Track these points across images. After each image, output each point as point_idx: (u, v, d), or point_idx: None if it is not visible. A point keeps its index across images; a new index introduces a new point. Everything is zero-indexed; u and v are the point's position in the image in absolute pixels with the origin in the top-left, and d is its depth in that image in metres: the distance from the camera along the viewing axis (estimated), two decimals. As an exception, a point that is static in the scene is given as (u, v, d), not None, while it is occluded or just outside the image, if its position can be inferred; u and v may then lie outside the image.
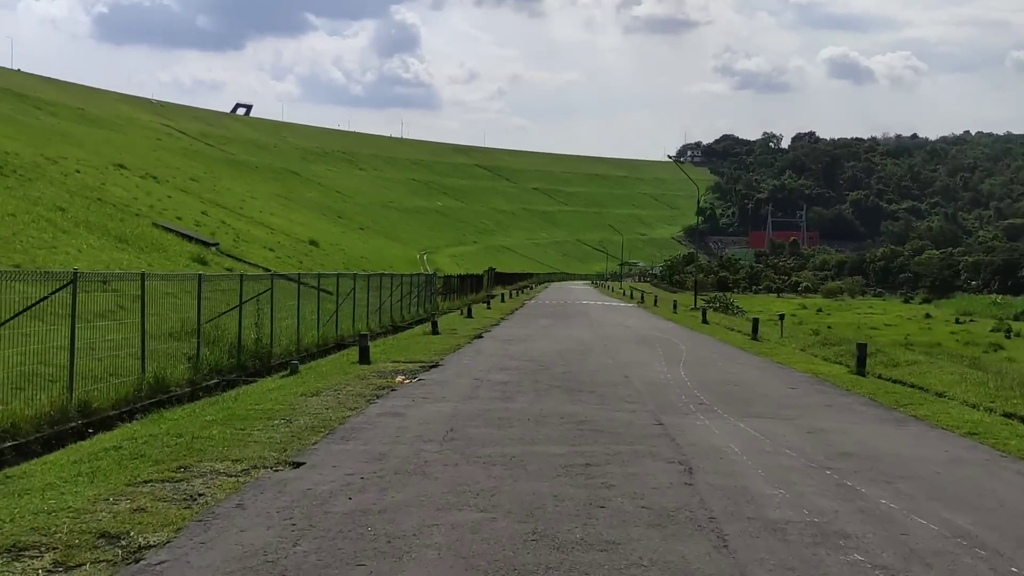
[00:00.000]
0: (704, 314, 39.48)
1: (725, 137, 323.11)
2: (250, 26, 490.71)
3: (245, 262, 46.95)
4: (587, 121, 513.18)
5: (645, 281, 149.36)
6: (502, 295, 62.41)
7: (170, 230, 45.96)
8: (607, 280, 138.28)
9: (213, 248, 46.26)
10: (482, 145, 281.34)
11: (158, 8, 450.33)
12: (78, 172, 57.86)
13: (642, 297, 67.55)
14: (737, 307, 60.17)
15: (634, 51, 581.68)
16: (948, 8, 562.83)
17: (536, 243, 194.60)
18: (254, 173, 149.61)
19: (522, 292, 75.59)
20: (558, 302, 56.23)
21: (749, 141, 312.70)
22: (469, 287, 68.31)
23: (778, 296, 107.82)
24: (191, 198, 74.57)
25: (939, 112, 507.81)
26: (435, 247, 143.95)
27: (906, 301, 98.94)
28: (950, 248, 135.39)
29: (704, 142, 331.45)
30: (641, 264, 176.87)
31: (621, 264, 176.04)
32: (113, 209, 46.37)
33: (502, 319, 37.68)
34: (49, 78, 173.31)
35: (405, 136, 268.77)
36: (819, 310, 72.65)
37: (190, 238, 45.26)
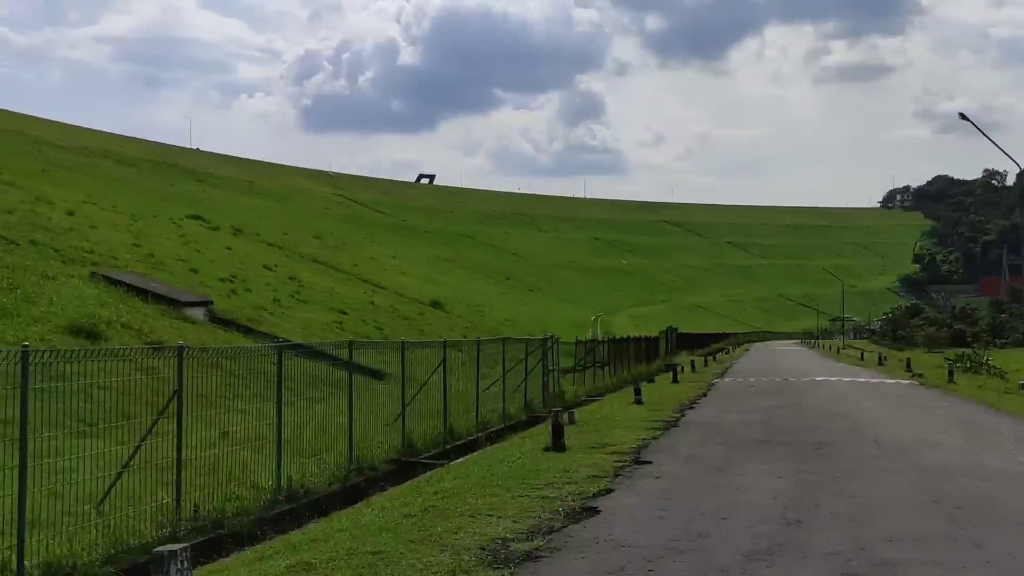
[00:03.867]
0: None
1: (938, 178, 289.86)
2: (443, 106, 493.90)
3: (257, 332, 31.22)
4: (779, 175, 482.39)
5: (862, 338, 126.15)
6: (682, 366, 44.05)
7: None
8: (817, 338, 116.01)
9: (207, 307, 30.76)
10: (670, 201, 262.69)
11: (357, 97, 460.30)
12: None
13: (879, 359, 47.32)
14: (994, 366, 41.14)
15: (825, 101, 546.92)
16: None
17: (732, 300, 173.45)
18: (422, 237, 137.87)
19: (715, 358, 56.59)
20: (771, 377, 37.43)
21: (967, 181, 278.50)
22: (639, 354, 50.25)
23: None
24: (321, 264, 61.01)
25: None
26: (616, 307, 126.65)
27: None
28: None
29: (913, 185, 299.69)
30: (855, 319, 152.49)
31: (832, 320, 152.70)
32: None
33: (667, 426, 19.68)
34: (228, 155, 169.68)
35: (589, 196, 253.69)
36: None
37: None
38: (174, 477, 11.97)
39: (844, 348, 74.22)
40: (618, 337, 53.01)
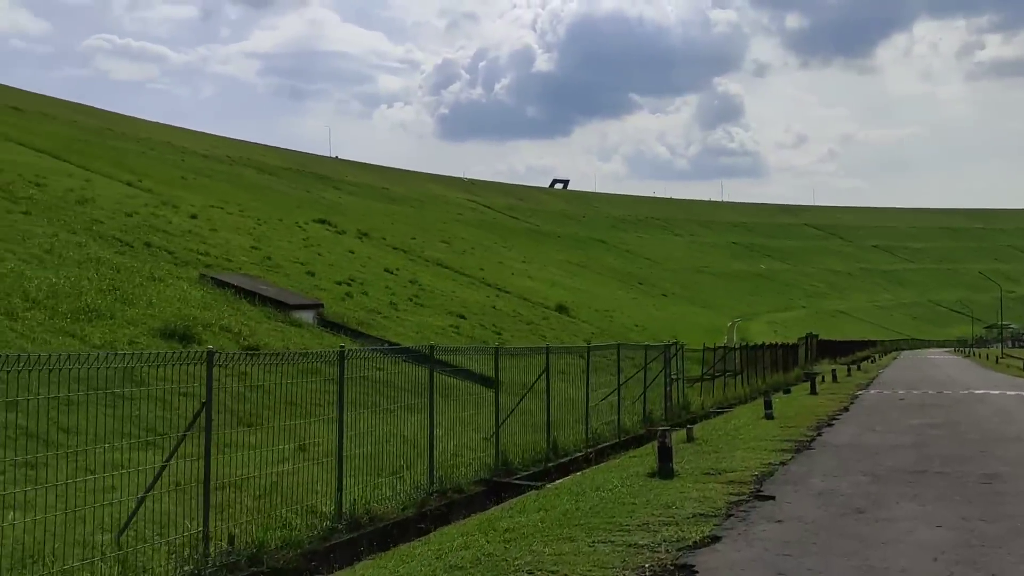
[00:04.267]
0: None
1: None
2: (578, 111, 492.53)
3: (367, 336, 29.85)
4: (930, 175, 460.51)
5: (1021, 346, 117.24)
6: (822, 375, 40.63)
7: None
8: (972, 347, 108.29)
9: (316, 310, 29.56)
10: (811, 204, 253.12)
11: (493, 104, 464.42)
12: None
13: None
14: None
15: (980, 98, 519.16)
16: None
17: (879, 306, 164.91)
18: (554, 242, 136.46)
19: (859, 367, 52.53)
20: (923, 389, 33.72)
21: None
22: (775, 362, 47.03)
23: None
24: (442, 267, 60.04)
25: None
26: (753, 313, 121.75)
27: None
28: None
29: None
30: (1013, 326, 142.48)
31: (988, 327, 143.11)
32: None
33: (799, 447, 17.04)
34: (364, 163, 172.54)
35: (725, 199, 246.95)
36: None
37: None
38: (211, 499, 10.37)
39: (1003, 357, 68.33)
40: (752, 344, 49.78)
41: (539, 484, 15.27)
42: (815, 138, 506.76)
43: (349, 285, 38.59)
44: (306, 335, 27.00)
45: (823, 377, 39.47)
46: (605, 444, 21.36)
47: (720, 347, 38.56)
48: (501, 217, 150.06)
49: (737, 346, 41.57)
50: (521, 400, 18.56)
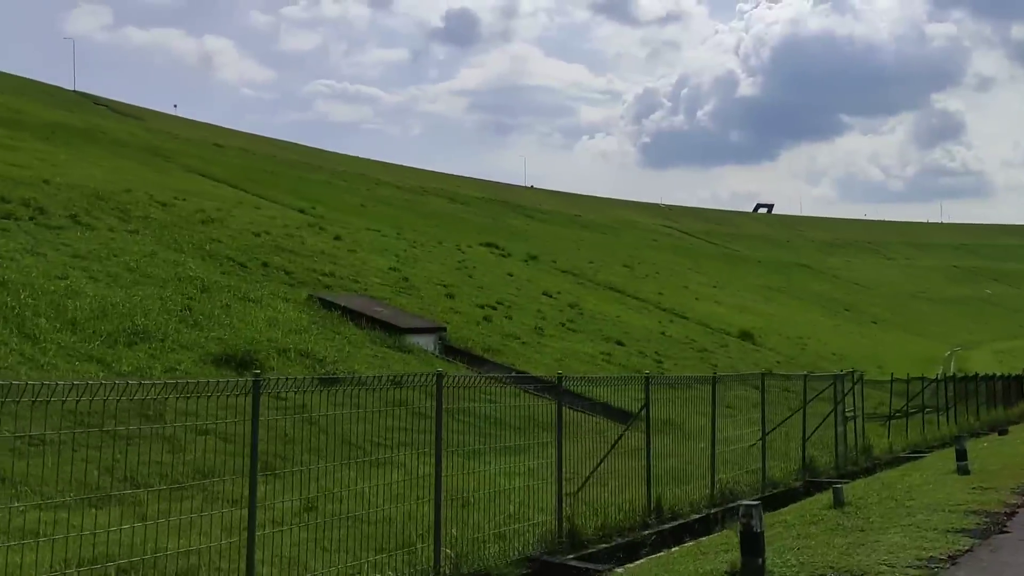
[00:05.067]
0: None
1: None
2: (784, 135, 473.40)
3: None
4: None
5: None
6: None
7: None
8: None
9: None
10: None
11: (695, 131, 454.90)
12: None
13: None
14: None
15: None
16: None
17: None
18: (753, 267, 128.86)
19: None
20: None
21: None
22: (993, 396, 39.80)
23: None
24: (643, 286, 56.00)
25: None
26: (975, 342, 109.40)
27: None
28: None
29: None
30: None
31: None
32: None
33: (989, 527, 11.66)
34: (560, 191, 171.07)
35: (944, 220, 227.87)
36: None
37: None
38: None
39: None
40: (964, 375, 42.46)
41: (606, 568, 10.93)
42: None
43: (494, 309, 35.18)
44: (412, 362, 23.63)
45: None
46: (731, 504, 16.57)
47: (918, 378, 32.22)
48: (697, 242, 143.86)
49: (941, 377, 34.93)
50: (613, 447, 14.20)
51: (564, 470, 14.77)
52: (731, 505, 16.26)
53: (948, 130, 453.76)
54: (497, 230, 78.38)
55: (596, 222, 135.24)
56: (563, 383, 19.93)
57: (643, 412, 14.74)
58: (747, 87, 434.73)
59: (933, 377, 34.28)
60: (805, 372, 22.38)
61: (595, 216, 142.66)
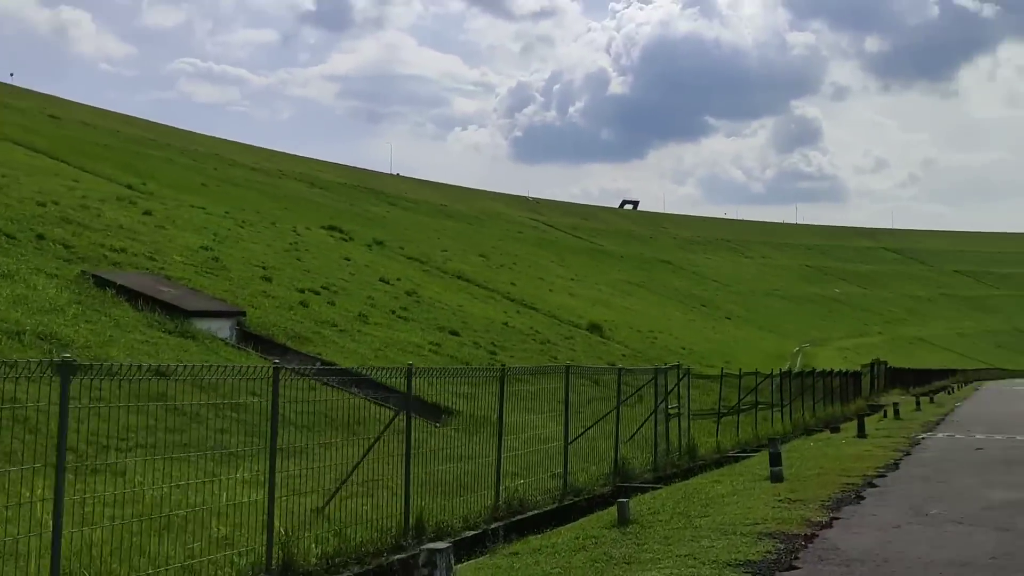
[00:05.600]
0: None
1: None
2: (653, 134, 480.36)
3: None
4: (1017, 201, 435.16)
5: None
6: (885, 409, 32.74)
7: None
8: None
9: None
10: (890, 227, 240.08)
11: (568, 127, 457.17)
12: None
13: None
14: None
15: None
16: None
17: (960, 333, 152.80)
18: (616, 262, 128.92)
19: (933, 399, 43.90)
20: (1009, 433, 25.21)
21: None
22: (831, 392, 39.32)
23: None
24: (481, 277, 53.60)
25: None
26: (824, 339, 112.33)
27: None
28: None
29: None
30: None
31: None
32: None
33: (788, 554, 9.60)
34: (426, 180, 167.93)
35: (800, 222, 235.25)
36: None
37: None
38: None
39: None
40: (801, 370, 41.94)
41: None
42: (895, 163, 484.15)
43: (317, 294, 32.27)
44: (192, 348, 20.60)
45: (886, 412, 31.65)
46: (536, 512, 14.36)
47: (751, 373, 30.98)
48: (562, 236, 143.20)
49: (779, 373, 33.90)
50: (366, 451, 11.72)
51: (327, 478, 12.31)
52: (525, 515, 14.05)
53: (806, 136, 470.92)
54: (351, 215, 75.00)
55: (462, 212, 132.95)
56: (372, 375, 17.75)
57: (402, 412, 12.29)
58: (618, 86, 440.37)
59: (768, 373, 33.17)
60: (620, 366, 20.45)
61: (462, 207, 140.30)
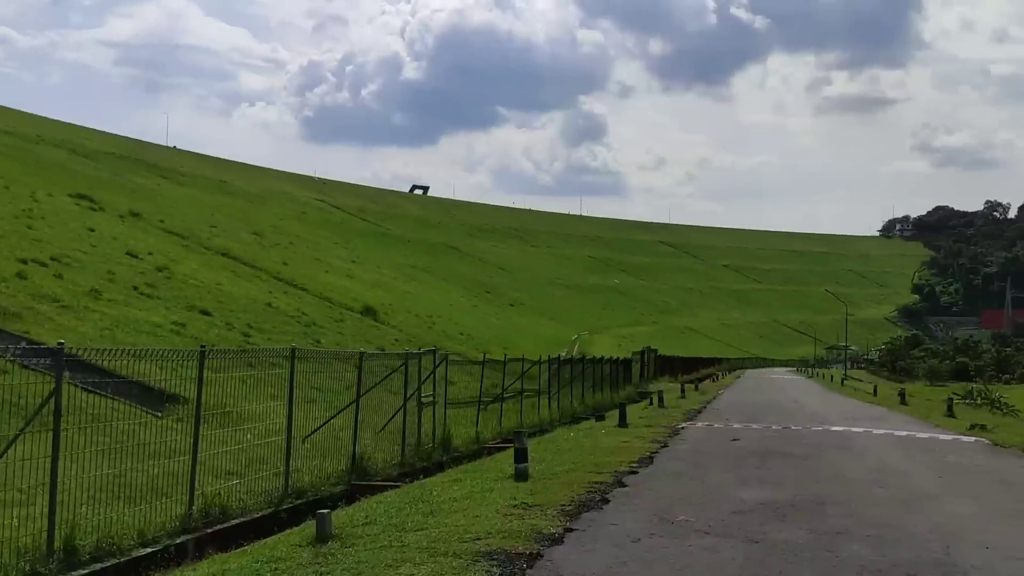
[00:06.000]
0: None
1: (939, 209, 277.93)
2: (445, 121, 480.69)
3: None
4: (780, 202, 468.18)
5: (859, 367, 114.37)
6: (651, 397, 32.59)
7: None
8: (814, 367, 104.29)
9: None
10: (667, 222, 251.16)
11: (360, 110, 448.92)
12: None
13: (902, 397, 35.53)
14: (1008, 404, 30.23)
15: (826, 131, 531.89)
16: None
17: (726, 324, 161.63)
18: (403, 246, 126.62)
19: (698, 387, 44.83)
20: (766, 422, 25.40)
21: (968, 212, 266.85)
22: (600, 380, 39.02)
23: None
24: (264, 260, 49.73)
25: None
26: (602, 327, 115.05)
27: None
28: None
29: (913, 215, 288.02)
30: (854, 348, 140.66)
31: (828, 348, 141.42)
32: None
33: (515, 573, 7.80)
34: (207, 155, 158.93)
35: (585, 214, 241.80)
36: None
37: None
38: None
39: (847, 379, 62.62)
40: (571, 357, 41.53)
41: None
42: (674, 161, 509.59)
43: (44, 266, 28.33)
44: None
45: (652, 399, 31.43)
46: (241, 521, 12.12)
47: (517, 360, 29.85)
48: (349, 218, 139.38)
49: (548, 359, 33.07)
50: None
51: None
52: (213, 529, 11.77)
53: (592, 131, 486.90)
54: (111, 185, 68.78)
55: (243, 190, 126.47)
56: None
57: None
58: (411, 71, 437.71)
59: (536, 359, 32.21)
60: (362, 350, 18.47)
61: (244, 184, 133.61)
